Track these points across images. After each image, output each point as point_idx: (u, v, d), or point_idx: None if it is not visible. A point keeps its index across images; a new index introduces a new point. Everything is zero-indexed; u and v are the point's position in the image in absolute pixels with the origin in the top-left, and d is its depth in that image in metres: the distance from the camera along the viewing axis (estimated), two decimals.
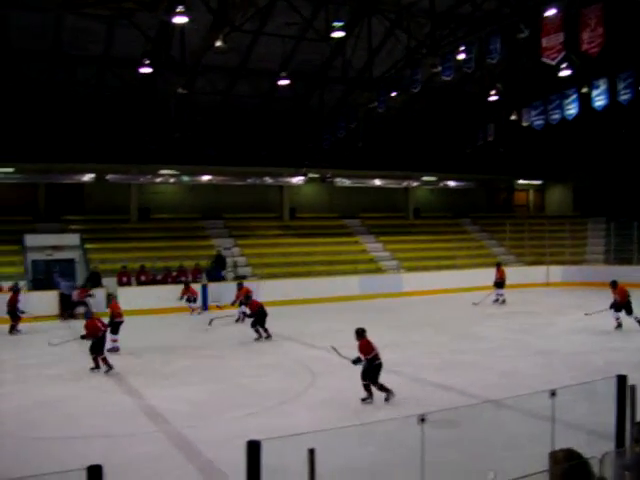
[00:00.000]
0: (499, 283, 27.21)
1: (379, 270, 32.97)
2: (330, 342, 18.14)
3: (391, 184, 38.16)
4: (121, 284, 27.33)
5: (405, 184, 38.59)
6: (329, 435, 6.85)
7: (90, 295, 25.63)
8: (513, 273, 30.21)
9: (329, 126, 31.65)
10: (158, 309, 25.94)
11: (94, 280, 27.02)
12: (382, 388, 12.05)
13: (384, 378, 12.17)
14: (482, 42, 22.20)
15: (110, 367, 15.20)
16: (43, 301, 25.37)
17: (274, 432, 6.19)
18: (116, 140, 31.59)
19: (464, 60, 22.79)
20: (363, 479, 8.29)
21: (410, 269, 32.94)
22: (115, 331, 18.29)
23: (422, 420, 6.11)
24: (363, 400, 12.00)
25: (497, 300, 26.86)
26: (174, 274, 28.62)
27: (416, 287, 30.55)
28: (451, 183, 39.99)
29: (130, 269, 28.33)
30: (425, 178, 38.65)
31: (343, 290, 29.14)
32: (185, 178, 32.87)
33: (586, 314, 20.99)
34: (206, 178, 32.80)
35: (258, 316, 19.95)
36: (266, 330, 19.89)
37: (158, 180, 32.62)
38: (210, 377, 14.69)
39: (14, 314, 22.29)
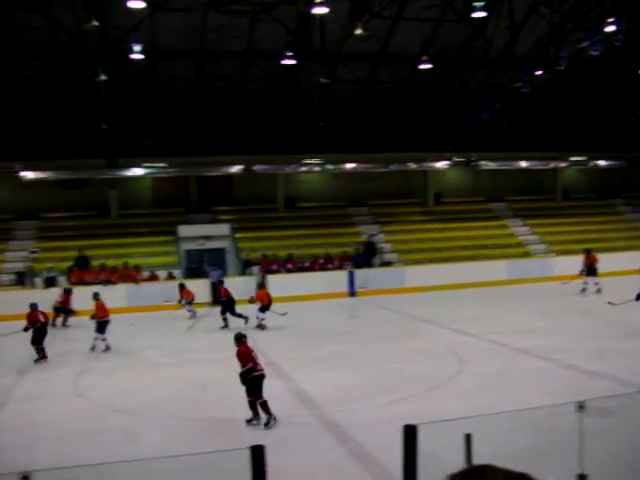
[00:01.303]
0: (591, 270, 24.98)
1: (527, 254, 32.16)
2: (480, 328, 18.07)
3: (538, 165, 36.99)
4: (269, 272, 28.08)
5: (552, 165, 37.31)
6: (480, 421, 6.84)
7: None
8: None
9: (472, 108, 31.15)
10: (305, 296, 26.46)
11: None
12: (264, 407, 10.45)
13: (530, 365, 11.90)
14: (632, 11, 21.16)
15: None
16: (196, 289, 26.46)
17: (423, 418, 6.23)
18: (262, 132, 32.42)
19: (613, 32, 21.76)
20: (518, 467, 8.17)
21: (559, 252, 31.91)
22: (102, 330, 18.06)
23: (580, 407, 5.93)
24: (248, 422, 10.49)
25: (584, 290, 24.48)
26: (321, 261, 29.10)
27: (566, 271, 29.53)
28: (601, 162, 38.24)
29: (278, 257, 29.05)
30: (574, 158, 37.18)
31: (490, 275, 28.61)
32: (329, 166, 33.21)
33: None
34: (350, 166, 33.01)
35: (226, 303, 20.98)
36: (240, 315, 20.76)
37: (303, 169, 33.13)
38: (359, 362, 14.87)
39: (64, 310, 23.14)
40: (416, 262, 29.91)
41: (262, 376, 10.70)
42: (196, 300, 24.24)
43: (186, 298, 23.70)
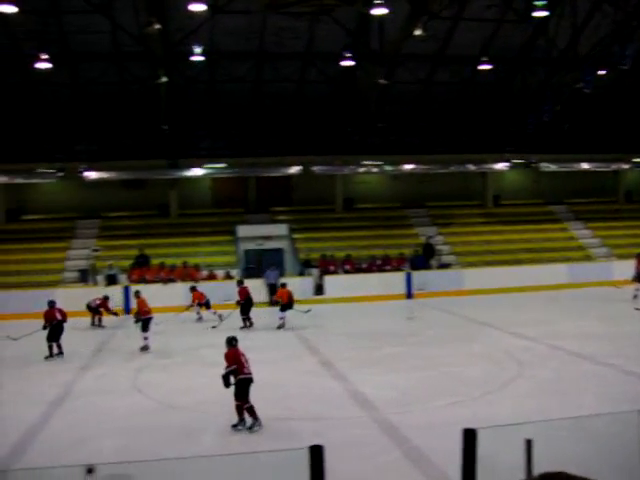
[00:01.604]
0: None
1: (588, 258, 31.56)
2: (538, 332, 17.83)
3: (599, 167, 36.22)
4: (327, 273, 28.16)
5: (614, 167, 36.50)
6: (539, 427, 6.75)
7: None
8: None
9: (532, 110, 30.72)
10: (363, 297, 26.46)
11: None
12: (250, 411, 10.50)
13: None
14: None
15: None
16: (254, 289, 26.68)
17: (480, 422, 6.20)
18: (320, 133, 32.53)
19: None
20: (579, 474, 8.04)
21: (621, 256, 31.22)
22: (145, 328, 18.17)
23: None
24: (234, 426, 10.50)
25: (636, 297, 23.30)
26: (378, 263, 29.05)
27: (629, 275, 28.88)
28: None
29: (336, 258, 29.10)
30: (636, 160, 36.37)
31: (550, 279, 28.10)
32: (388, 167, 33.06)
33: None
34: (408, 167, 32.79)
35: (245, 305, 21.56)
36: (247, 319, 21.44)
37: (361, 170, 33.07)
38: (416, 364, 14.82)
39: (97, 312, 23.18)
40: (474, 264, 29.63)
41: (249, 380, 10.73)
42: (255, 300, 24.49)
43: (198, 300, 23.40)
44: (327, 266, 28.54)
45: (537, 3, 24.19)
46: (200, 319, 23.12)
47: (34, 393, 13.21)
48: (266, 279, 26.66)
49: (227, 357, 10.95)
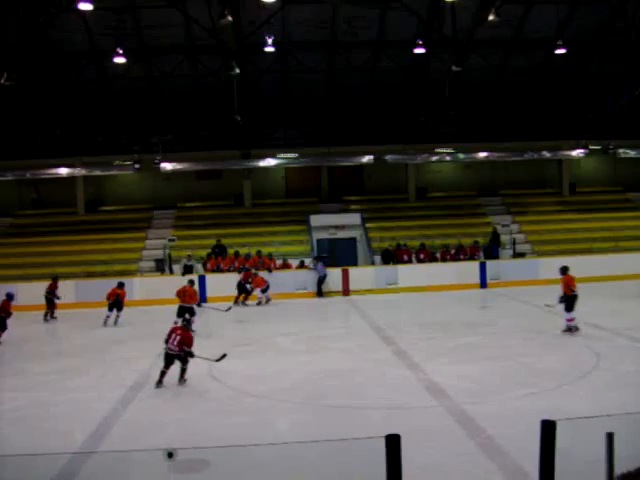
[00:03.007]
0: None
1: None
2: (617, 323, 17.42)
3: None
4: (401, 261, 28.10)
5: None
6: (620, 421, 6.61)
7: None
8: None
9: (610, 94, 29.92)
10: (436, 286, 26.29)
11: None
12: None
13: None
14: None
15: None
16: (327, 277, 26.80)
17: (556, 413, 6.10)
18: (392, 121, 32.41)
19: None
20: None
21: None
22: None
23: None
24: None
25: None
26: (452, 251, 28.81)
27: None
28: None
29: (409, 247, 28.98)
30: None
31: (629, 268, 27.34)
32: (461, 155, 32.70)
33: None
34: (482, 155, 32.35)
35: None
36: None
37: (434, 159, 32.80)
38: (490, 354, 14.68)
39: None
40: (550, 253, 29.09)
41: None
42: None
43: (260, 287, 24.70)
44: (402, 255, 28.44)
45: None
46: (259, 303, 24.40)
47: (114, 378, 13.59)
48: (315, 270, 26.73)
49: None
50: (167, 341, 12.65)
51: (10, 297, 19.29)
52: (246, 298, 24.62)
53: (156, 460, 5.51)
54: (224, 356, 12.97)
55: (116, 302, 20.91)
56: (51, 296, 22.75)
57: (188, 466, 7.00)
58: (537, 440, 4.77)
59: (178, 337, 12.61)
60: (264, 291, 24.64)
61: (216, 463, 7.36)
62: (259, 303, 24.44)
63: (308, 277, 26.55)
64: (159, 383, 12.53)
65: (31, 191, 33.61)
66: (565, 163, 34.75)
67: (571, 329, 16.62)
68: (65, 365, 15.16)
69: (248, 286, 24.66)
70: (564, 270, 17.58)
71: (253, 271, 25.05)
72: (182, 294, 19.39)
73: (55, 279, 23.15)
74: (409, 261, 28.35)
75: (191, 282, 20.38)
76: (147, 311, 23.63)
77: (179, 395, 12.13)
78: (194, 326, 18.55)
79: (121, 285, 21.28)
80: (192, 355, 12.73)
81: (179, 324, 18.23)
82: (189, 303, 19.22)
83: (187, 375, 12.91)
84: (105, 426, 10.26)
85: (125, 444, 9.14)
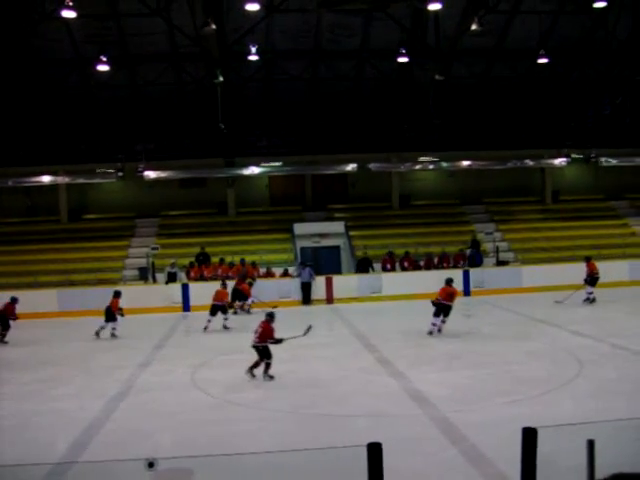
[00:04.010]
0: (590, 279, 23.57)
1: None
2: (599, 331, 17.51)
3: None
4: (385, 270, 28.12)
5: None
6: (601, 428, 6.63)
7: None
8: None
9: (592, 103, 30.15)
10: (421, 294, 26.26)
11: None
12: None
13: None
14: None
15: None
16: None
17: (539, 421, 6.11)
18: (376, 130, 32.49)
19: None
20: None
21: None
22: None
23: None
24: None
25: (587, 299, 23.35)
26: (436, 260, 28.86)
27: None
28: None
29: (394, 255, 28.98)
30: None
31: (610, 276, 27.34)
32: (444, 164, 32.82)
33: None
34: (465, 163, 32.48)
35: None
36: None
37: (418, 167, 32.89)
38: (474, 362, 14.70)
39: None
40: (533, 261, 29.22)
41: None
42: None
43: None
44: (384, 264, 28.46)
45: None
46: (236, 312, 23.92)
47: (97, 388, 13.50)
48: (301, 277, 26.69)
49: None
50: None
51: (14, 300, 20.11)
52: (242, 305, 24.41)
53: (138, 470, 5.48)
54: (310, 328, 14.06)
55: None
56: (8, 317, 20.39)
57: (171, 476, 6.97)
58: (519, 447, 4.79)
59: (260, 330, 13.68)
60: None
61: (199, 472, 7.33)
62: (235, 312, 24.06)
63: (292, 285, 26.53)
64: (251, 372, 13.68)
65: (25, 199, 33.29)
66: (548, 171, 34.96)
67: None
68: (47, 375, 15.05)
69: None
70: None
71: (248, 280, 24.88)
72: (215, 294, 21.09)
73: (14, 300, 20.60)
74: (392, 269, 28.34)
75: (223, 285, 22.25)
76: (130, 320, 23.51)
77: (162, 404, 12.06)
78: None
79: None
80: (279, 341, 13.77)
81: (211, 322, 20.44)
82: (222, 301, 21.01)
83: (170, 383, 12.84)
84: (87, 436, 10.20)
85: (108, 454, 9.07)
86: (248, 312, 24.11)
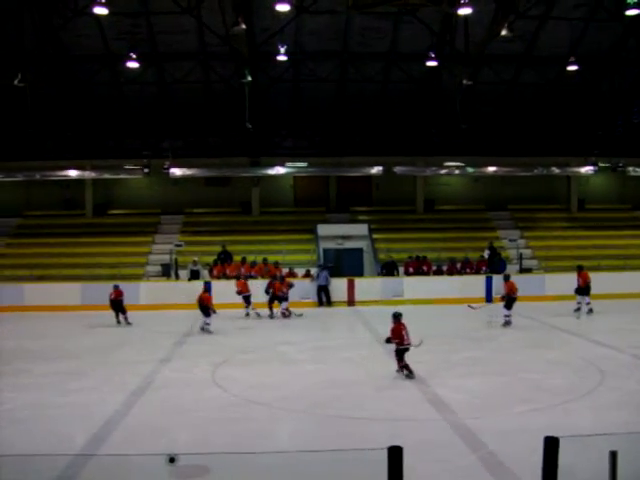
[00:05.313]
0: (581, 289, 23.23)
1: None
2: (622, 341, 17.34)
3: None
4: (407, 274, 28.06)
5: None
6: (623, 439, 6.56)
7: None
8: None
9: (622, 112, 29.87)
10: (442, 299, 26.21)
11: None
12: (407, 368, 13.56)
13: None
14: None
15: None
16: (333, 287, 26.80)
17: (559, 430, 6.06)
18: (403, 133, 32.44)
19: None
20: None
21: None
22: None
23: None
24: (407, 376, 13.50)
25: (578, 309, 23.07)
26: (459, 265, 28.73)
27: None
28: None
29: (415, 259, 28.91)
30: None
31: (636, 286, 27.26)
32: (470, 169, 32.65)
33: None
34: (491, 169, 32.26)
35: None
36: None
37: (443, 172, 32.75)
38: (494, 370, 14.63)
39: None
40: (557, 269, 28.99)
41: (405, 349, 13.55)
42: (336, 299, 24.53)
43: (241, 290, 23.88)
44: (407, 267, 28.39)
45: (629, 1, 23.47)
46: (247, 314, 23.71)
47: (117, 382, 13.59)
48: (317, 280, 26.70)
49: (392, 331, 13.62)
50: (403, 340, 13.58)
51: (117, 287, 22.19)
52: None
53: (156, 465, 5.51)
54: (421, 342, 13.78)
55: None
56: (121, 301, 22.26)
57: (188, 472, 7.01)
58: (538, 456, 4.75)
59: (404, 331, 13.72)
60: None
61: (216, 470, 7.35)
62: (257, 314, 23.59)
63: (313, 286, 26.57)
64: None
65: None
66: (574, 179, 34.70)
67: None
68: (68, 367, 15.17)
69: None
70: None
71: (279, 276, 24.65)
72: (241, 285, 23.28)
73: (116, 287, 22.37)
74: (413, 273, 28.23)
75: (240, 277, 23.99)
76: (152, 316, 23.66)
77: (181, 401, 12.11)
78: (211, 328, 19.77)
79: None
80: (387, 341, 13.97)
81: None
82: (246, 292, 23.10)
83: (190, 380, 12.87)
84: (106, 430, 10.26)
85: (125, 448, 9.12)
86: (287, 315, 23.58)
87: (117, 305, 21.98)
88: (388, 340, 13.72)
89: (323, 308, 26.12)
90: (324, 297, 26.49)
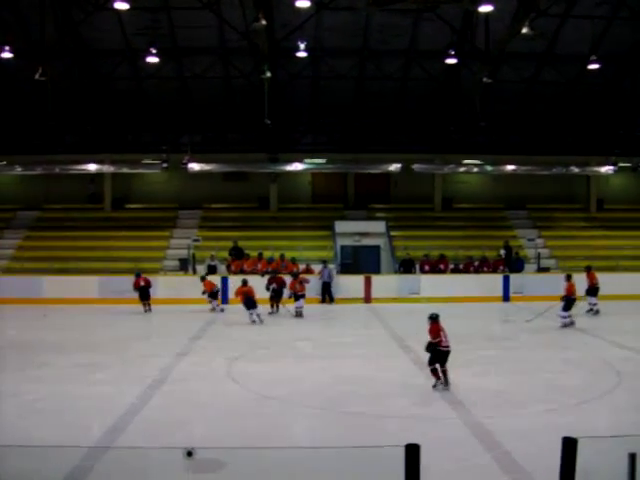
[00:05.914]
0: (591, 290, 23.01)
1: None
2: (638, 342, 17.22)
3: None
4: (423, 271, 28.03)
5: None
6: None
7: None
8: None
9: None
10: (458, 297, 26.16)
11: None
12: (444, 374, 12.48)
13: None
14: None
15: None
16: (349, 284, 26.86)
17: (575, 431, 6.04)
18: (422, 131, 32.37)
19: None
20: None
21: None
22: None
23: None
24: (433, 386, 12.46)
25: (591, 310, 22.89)
26: (476, 264, 28.65)
27: None
28: None
29: (430, 257, 28.87)
30: None
31: None
32: (489, 167, 32.53)
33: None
34: (510, 167, 32.09)
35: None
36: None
37: (462, 170, 32.67)
38: (510, 368, 14.59)
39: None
40: (575, 269, 28.80)
41: (446, 352, 12.60)
42: (349, 295, 24.56)
43: (206, 289, 24.10)
44: (422, 265, 28.38)
45: None
46: (215, 308, 24.05)
47: (134, 375, 13.68)
48: (321, 277, 26.73)
49: (430, 331, 12.72)
50: (441, 341, 12.61)
51: (138, 274, 23.66)
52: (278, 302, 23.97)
53: (172, 458, 5.55)
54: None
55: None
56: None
57: (203, 466, 7.04)
58: (554, 456, 4.74)
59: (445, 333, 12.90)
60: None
61: (231, 464, 7.39)
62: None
63: (319, 283, 26.64)
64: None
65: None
66: (593, 179, 34.50)
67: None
68: (87, 359, 15.28)
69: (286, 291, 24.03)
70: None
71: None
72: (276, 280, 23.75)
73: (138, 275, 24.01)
74: (430, 271, 28.19)
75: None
76: (169, 310, 23.77)
77: (197, 395, 12.16)
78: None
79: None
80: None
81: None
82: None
83: (206, 374, 12.91)
84: (124, 422, 10.32)
85: (142, 440, 9.18)
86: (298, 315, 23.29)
87: (145, 292, 22.54)
88: (429, 345, 12.55)
89: (325, 305, 26.18)
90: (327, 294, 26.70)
